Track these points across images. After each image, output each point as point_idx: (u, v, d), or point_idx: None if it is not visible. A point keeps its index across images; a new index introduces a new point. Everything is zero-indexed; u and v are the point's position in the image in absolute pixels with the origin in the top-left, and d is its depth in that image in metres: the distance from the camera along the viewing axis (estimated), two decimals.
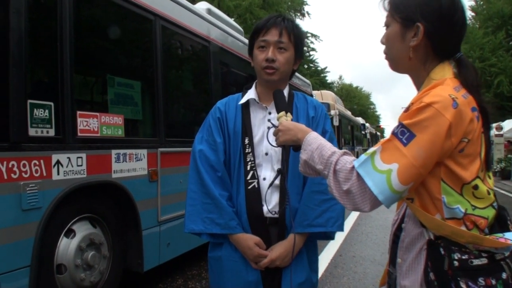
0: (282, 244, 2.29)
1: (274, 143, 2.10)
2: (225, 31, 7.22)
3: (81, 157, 3.94)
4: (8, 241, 3.34)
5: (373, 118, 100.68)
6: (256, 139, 2.38)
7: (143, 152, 4.81)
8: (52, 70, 3.87)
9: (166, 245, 5.23)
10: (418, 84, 1.65)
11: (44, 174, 3.59)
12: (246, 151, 2.36)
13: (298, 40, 2.38)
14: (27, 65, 3.51)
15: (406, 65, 1.65)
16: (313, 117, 2.44)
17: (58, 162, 3.71)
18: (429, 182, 1.50)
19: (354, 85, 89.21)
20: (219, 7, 23.12)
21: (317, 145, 1.71)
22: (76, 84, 4.05)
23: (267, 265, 2.27)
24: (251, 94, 2.45)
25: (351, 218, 10.92)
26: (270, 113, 2.40)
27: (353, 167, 1.53)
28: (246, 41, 8.25)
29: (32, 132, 3.48)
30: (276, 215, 2.30)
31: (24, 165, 3.42)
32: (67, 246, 3.90)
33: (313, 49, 40.29)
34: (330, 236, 2.47)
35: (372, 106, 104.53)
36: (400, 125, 1.48)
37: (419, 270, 1.53)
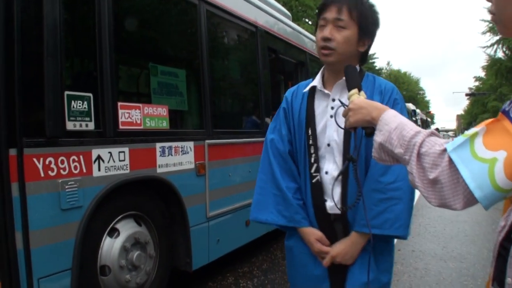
0: (343, 242, 2.20)
1: (342, 125, 1.87)
2: (273, 16, 6.91)
3: (123, 152, 3.71)
4: (47, 243, 3.14)
5: (422, 104, 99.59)
6: (319, 128, 2.24)
7: (190, 145, 4.55)
8: (90, 59, 3.64)
9: (215, 242, 5.00)
10: None
11: (84, 170, 3.37)
12: (310, 142, 2.25)
13: (362, 18, 2.15)
14: (63, 55, 3.28)
15: None
16: None
17: (99, 158, 3.48)
18: None
19: (403, 71, 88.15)
20: None
21: (396, 124, 1.40)
22: (116, 73, 3.81)
23: (330, 262, 2.20)
24: (316, 81, 2.32)
25: None
26: (333, 100, 2.23)
27: (444, 150, 1.22)
28: (295, 26, 7.97)
29: (70, 125, 3.26)
30: (339, 211, 2.17)
31: (62, 162, 3.21)
32: (110, 246, 3.69)
33: None
34: (398, 236, 2.22)
35: (421, 92, 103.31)
36: None
37: None
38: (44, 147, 3.10)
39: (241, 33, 6.19)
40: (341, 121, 1.86)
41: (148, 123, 4.01)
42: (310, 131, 2.24)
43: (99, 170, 3.49)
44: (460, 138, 1.20)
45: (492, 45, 46.50)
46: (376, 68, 44.85)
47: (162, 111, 4.20)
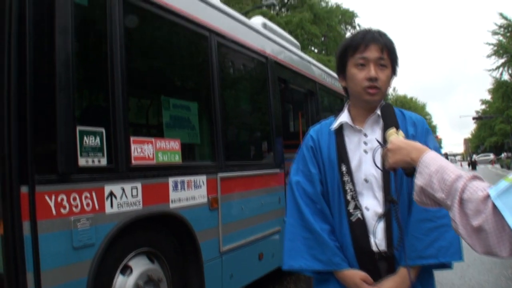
0: (392, 279, 2.10)
1: (380, 165, 1.87)
2: (283, 46, 6.92)
3: (136, 187, 3.64)
4: (59, 283, 3.05)
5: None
6: (353, 165, 2.19)
7: (202, 178, 4.48)
8: (102, 94, 3.63)
9: (229, 277, 4.89)
10: None
11: (97, 207, 3.30)
12: (344, 179, 2.18)
13: (395, 56, 2.20)
14: (75, 89, 3.26)
15: None
16: (413, 135, 2.18)
17: (111, 194, 3.42)
18: None
19: (409, 96, 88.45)
20: None
21: (436, 167, 1.35)
22: (129, 107, 3.77)
23: None
24: (344, 117, 2.28)
25: None
26: (366, 135, 2.21)
27: (487, 196, 1.17)
28: (304, 55, 7.97)
29: (82, 162, 3.20)
30: (384, 248, 2.10)
31: (75, 199, 3.14)
32: (123, 284, 3.58)
33: None
34: (446, 265, 2.17)
35: (428, 117, 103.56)
36: None
37: None
38: (56, 184, 3.04)
39: (251, 64, 6.19)
40: (379, 160, 1.85)
41: (161, 158, 3.95)
42: (344, 168, 2.19)
43: (111, 206, 3.42)
44: (503, 183, 1.16)
45: (498, 68, 46.68)
46: None
47: (175, 145, 4.14)
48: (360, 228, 2.13)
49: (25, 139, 2.93)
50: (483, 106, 71.13)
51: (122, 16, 3.67)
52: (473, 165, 54.79)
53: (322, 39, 31.78)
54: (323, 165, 2.25)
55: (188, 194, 4.25)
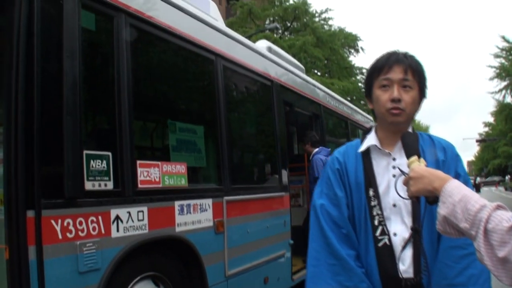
0: None
1: (403, 194, 1.84)
2: (287, 69, 6.95)
3: (142, 211, 3.62)
4: None
5: None
6: (381, 189, 2.14)
7: (208, 202, 4.46)
8: (109, 117, 3.63)
9: None
10: None
11: (103, 231, 3.28)
12: (372, 203, 2.13)
13: (422, 78, 2.15)
14: (82, 113, 3.26)
15: None
16: (443, 161, 2.16)
17: (117, 218, 3.40)
18: None
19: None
20: None
21: (460, 196, 1.33)
22: (135, 131, 3.77)
23: None
24: (371, 140, 2.23)
25: None
26: (394, 159, 2.17)
27: None
28: (309, 78, 8.00)
29: (88, 185, 3.19)
30: (411, 275, 2.04)
31: (81, 223, 3.12)
32: None
33: None
34: None
35: None
36: None
37: None
38: (62, 208, 3.03)
39: (257, 87, 6.20)
40: (402, 189, 1.82)
41: (167, 181, 3.94)
42: (371, 192, 2.14)
43: (117, 230, 3.39)
44: None
45: (500, 90, 46.73)
46: None
47: (181, 168, 4.13)
48: (387, 254, 2.09)
49: (32, 163, 2.92)
50: (486, 129, 71.17)
51: (128, 40, 3.70)
52: (477, 187, 54.43)
53: (325, 62, 31.89)
54: (350, 189, 2.21)
55: (194, 217, 4.22)
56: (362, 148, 2.24)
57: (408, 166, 1.71)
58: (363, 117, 12.29)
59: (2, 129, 3.10)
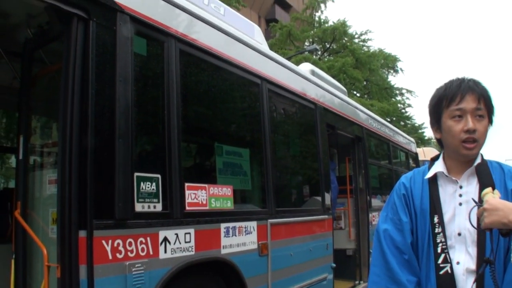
0: None
1: (475, 224, 1.81)
2: (331, 92, 6.96)
3: (189, 233, 3.66)
4: None
5: None
6: (446, 217, 2.10)
7: (253, 225, 4.47)
8: (159, 140, 3.69)
9: None
10: None
11: (151, 252, 3.32)
12: (436, 231, 2.10)
13: (492, 106, 2.10)
14: (134, 136, 3.33)
15: None
16: None
17: (165, 239, 3.44)
18: None
19: None
20: None
21: None
22: (184, 154, 3.82)
23: None
24: (438, 166, 2.19)
25: None
26: (461, 187, 2.12)
27: None
28: (351, 101, 7.97)
29: (138, 207, 3.25)
30: None
31: (130, 244, 3.17)
32: None
33: (409, 105, 39.24)
34: None
35: None
36: None
37: None
38: (113, 229, 3.08)
39: (301, 111, 6.22)
40: (475, 220, 1.81)
41: (214, 204, 3.97)
42: (436, 219, 2.11)
43: (165, 252, 3.43)
44: None
45: None
46: (426, 138, 44.12)
47: (227, 191, 4.17)
48: (448, 283, 2.04)
49: (85, 185, 3.00)
50: None
51: (178, 65, 3.78)
52: None
53: (364, 83, 31.64)
54: (415, 214, 2.19)
55: (239, 240, 4.24)
56: (429, 174, 2.20)
57: (482, 197, 1.70)
58: (404, 138, 12.16)
59: (57, 150, 3.19)
